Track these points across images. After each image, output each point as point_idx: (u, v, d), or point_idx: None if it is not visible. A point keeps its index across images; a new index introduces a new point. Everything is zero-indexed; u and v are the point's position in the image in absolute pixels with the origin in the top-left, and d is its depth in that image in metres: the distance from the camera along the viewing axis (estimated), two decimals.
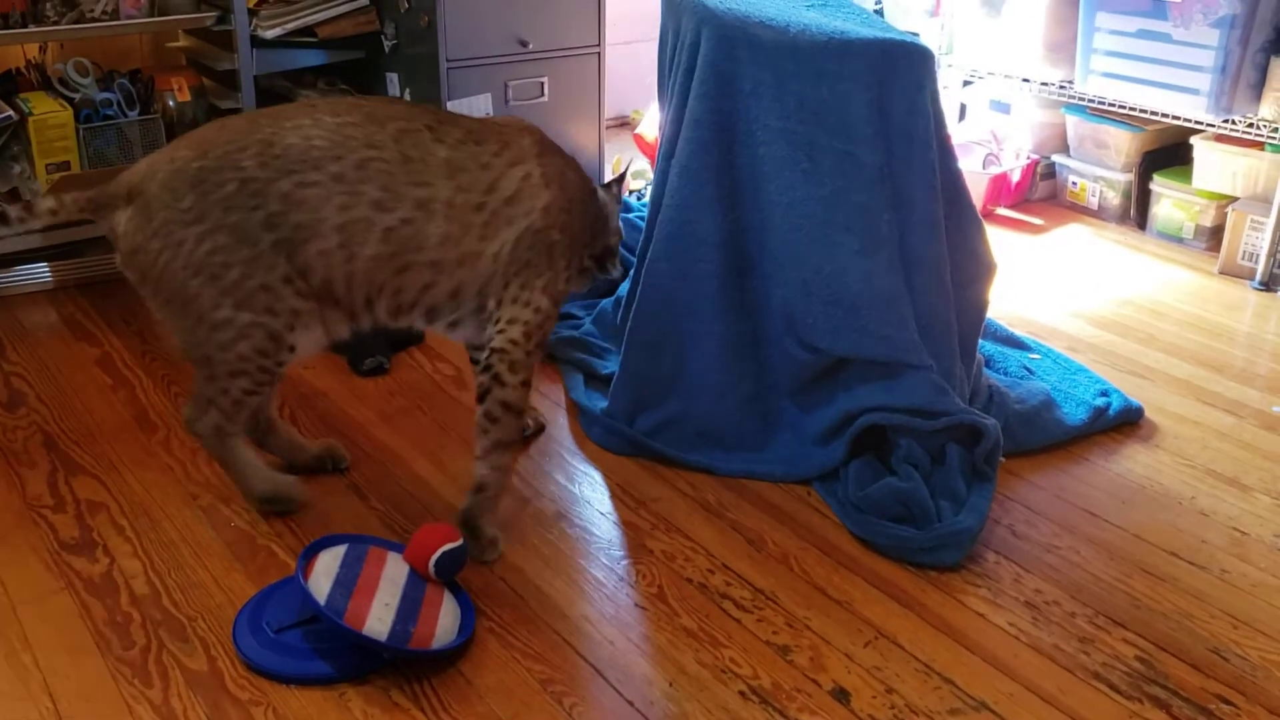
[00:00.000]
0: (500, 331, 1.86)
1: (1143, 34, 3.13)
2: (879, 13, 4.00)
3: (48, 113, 2.72)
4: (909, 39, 1.99)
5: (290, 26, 2.94)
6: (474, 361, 2.01)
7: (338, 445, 2.12)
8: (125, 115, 2.83)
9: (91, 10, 2.71)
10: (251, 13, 2.88)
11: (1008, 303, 2.88)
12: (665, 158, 2.15)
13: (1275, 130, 2.99)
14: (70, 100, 2.79)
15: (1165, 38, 3.08)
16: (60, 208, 1.83)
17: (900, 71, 1.96)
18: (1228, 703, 1.60)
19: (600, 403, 2.24)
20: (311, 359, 2.49)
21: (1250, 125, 3.05)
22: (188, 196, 1.77)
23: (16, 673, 1.60)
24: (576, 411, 2.29)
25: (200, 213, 1.77)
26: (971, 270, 2.14)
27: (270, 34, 2.91)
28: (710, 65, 2.02)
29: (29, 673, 1.60)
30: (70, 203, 1.84)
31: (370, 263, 1.81)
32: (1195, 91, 3.05)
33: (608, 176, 3.40)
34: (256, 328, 1.80)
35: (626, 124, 4.28)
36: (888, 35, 1.98)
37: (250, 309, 1.79)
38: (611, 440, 2.17)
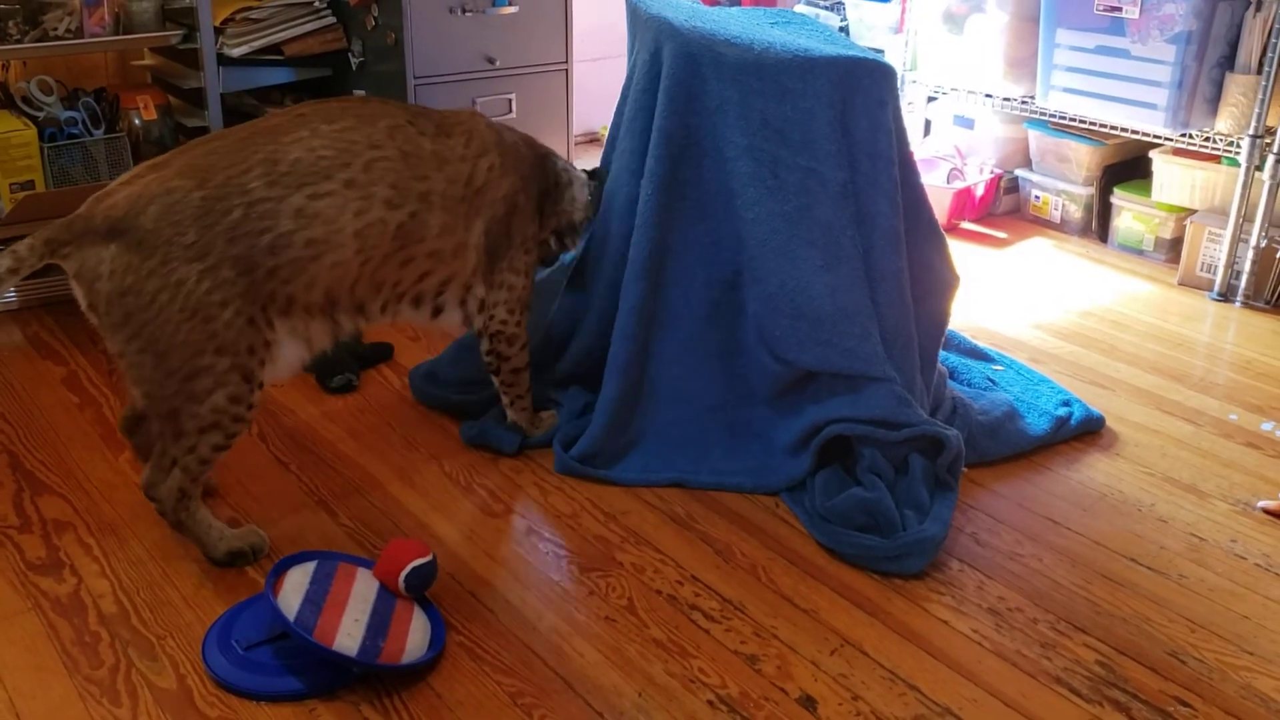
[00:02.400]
0: (491, 317, 2.07)
1: (1101, 50, 3.19)
2: (844, 29, 4.05)
3: (11, 131, 2.71)
4: (872, 56, 2.03)
5: (257, 44, 2.95)
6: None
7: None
8: (90, 134, 2.82)
9: (55, 28, 2.71)
10: (217, 31, 2.89)
11: (972, 315, 2.92)
12: (628, 172, 2.17)
13: (1231, 144, 3.05)
14: (34, 119, 2.79)
15: (1124, 54, 3.14)
16: (20, 263, 1.66)
17: (863, 89, 1.99)
18: (1185, 704, 1.63)
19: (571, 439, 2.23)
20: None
21: (1207, 139, 3.11)
22: (191, 230, 1.69)
23: None
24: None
25: (204, 247, 1.69)
26: (932, 284, 2.17)
27: (236, 52, 2.92)
28: (676, 83, 2.05)
29: None
30: (28, 252, 1.67)
31: (382, 262, 1.86)
32: (1153, 106, 3.11)
33: None
34: (234, 371, 1.74)
35: (595, 140, 4.31)
36: (850, 53, 2.01)
37: (232, 352, 1.73)
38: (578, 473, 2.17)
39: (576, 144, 3.47)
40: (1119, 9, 3.10)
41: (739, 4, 4.32)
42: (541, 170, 2.12)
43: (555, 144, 3.27)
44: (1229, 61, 3.04)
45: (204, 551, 1.87)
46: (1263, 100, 2.94)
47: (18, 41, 2.67)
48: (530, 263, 2.11)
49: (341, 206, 1.79)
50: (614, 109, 2.35)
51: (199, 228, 1.69)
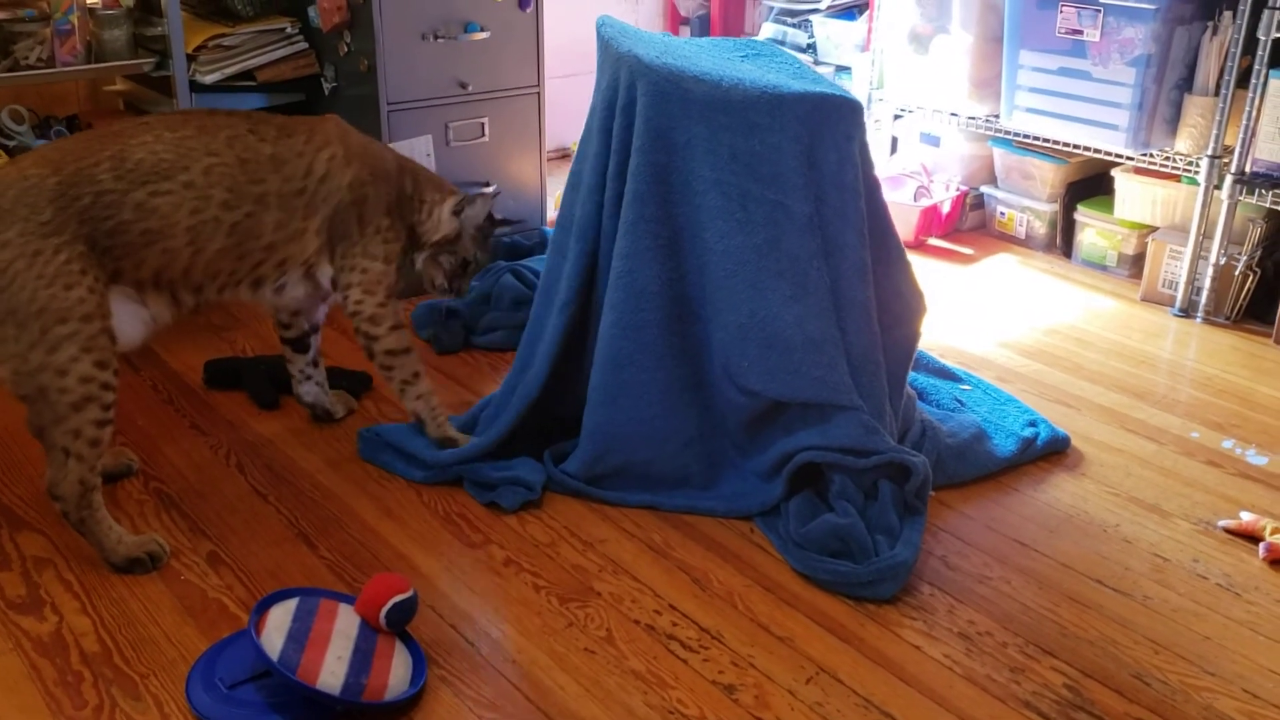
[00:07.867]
0: (346, 298, 2.17)
1: (1064, 72, 3.25)
2: (811, 46, 4.10)
3: None
4: (839, 92, 2.07)
5: (230, 71, 2.96)
6: (279, 324, 2.36)
7: (124, 450, 2.28)
8: None
9: (26, 57, 2.71)
10: (190, 58, 2.90)
11: (940, 334, 2.97)
12: (587, 188, 2.22)
13: (1190, 163, 3.12)
14: (6, 148, 2.78)
15: (1085, 75, 3.20)
16: None
17: (831, 124, 2.03)
18: None
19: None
20: (233, 406, 2.50)
21: (1167, 158, 3.18)
22: (47, 210, 1.85)
23: None
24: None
25: (59, 225, 1.85)
26: (900, 310, 2.21)
27: (209, 79, 2.92)
28: (645, 119, 2.08)
29: None
30: None
31: (215, 254, 2.02)
32: (1114, 127, 3.17)
33: (551, 211, 3.45)
34: (103, 335, 1.87)
35: (567, 155, 4.34)
36: (819, 89, 2.05)
37: (100, 315, 1.87)
38: (555, 487, 2.22)
39: (549, 160, 3.49)
40: (1080, 32, 3.16)
41: (708, 34, 4.36)
42: (398, 178, 2.23)
43: (528, 163, 3.31)
44: (1187, 84, 3.11)
45: (102, 555, 1.95)
46: (1220, 121, 3.00)
47: None
48: (391, 251, 2.20)
49: (177, 205, 1.96)
50: (584, 125, 2.37)
51: (55, 208, 1.86)
